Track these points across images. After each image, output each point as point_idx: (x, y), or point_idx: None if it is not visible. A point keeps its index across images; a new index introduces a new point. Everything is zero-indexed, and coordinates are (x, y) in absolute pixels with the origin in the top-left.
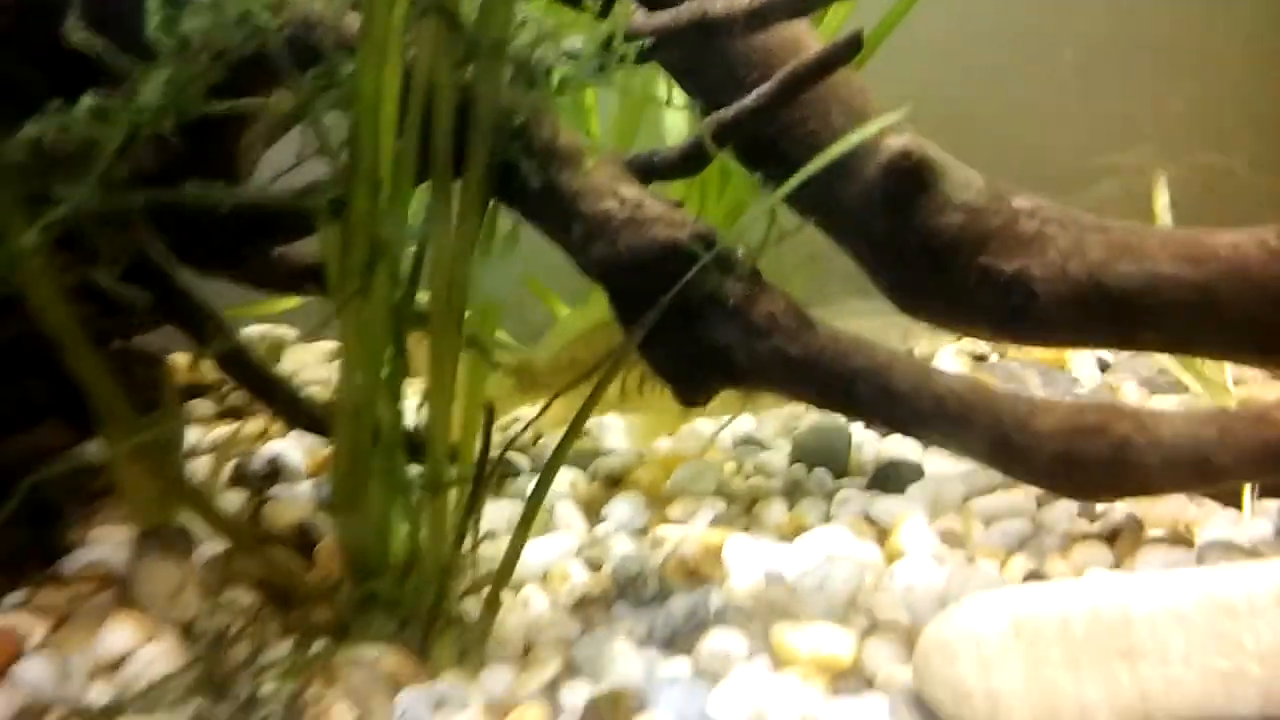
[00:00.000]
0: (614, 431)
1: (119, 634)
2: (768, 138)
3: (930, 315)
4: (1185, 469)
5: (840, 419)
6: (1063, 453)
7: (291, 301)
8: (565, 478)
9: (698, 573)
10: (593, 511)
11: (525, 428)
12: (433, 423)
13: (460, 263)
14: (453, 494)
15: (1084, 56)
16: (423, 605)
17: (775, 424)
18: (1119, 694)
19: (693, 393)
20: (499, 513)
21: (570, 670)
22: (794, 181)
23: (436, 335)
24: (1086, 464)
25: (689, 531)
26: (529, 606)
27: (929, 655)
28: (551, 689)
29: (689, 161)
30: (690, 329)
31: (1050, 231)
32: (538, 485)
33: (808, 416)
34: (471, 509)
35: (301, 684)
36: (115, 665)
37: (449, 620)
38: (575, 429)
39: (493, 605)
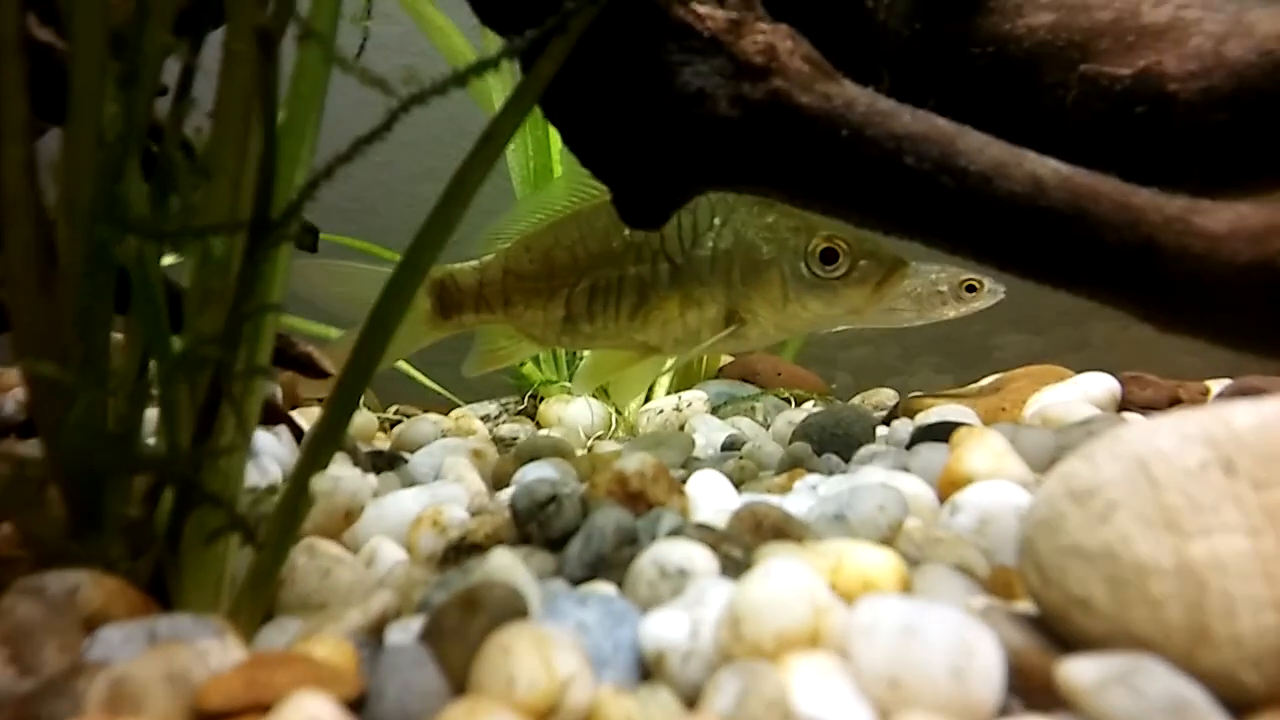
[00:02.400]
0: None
1: None
2: None
3: None
4: None
5: (857, 405)
6: (1262, 264)
7: None
8: (464, 445)
9: (644, 497)
10: (499, 483)
11: None
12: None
13: None
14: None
15: None
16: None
17: (767, 434)
18: None
19: (645, 196)
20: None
21: (413, 612)
22: None
23: None
24: None
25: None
26: (374, 562)
27: (1059, 518)
28: (375, 631)
29: None
30: (642, 71)
31: (1191, 16)
32: (331, 399)
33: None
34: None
35: None
36: None
37: (211, 558)
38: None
39: (280, 545)
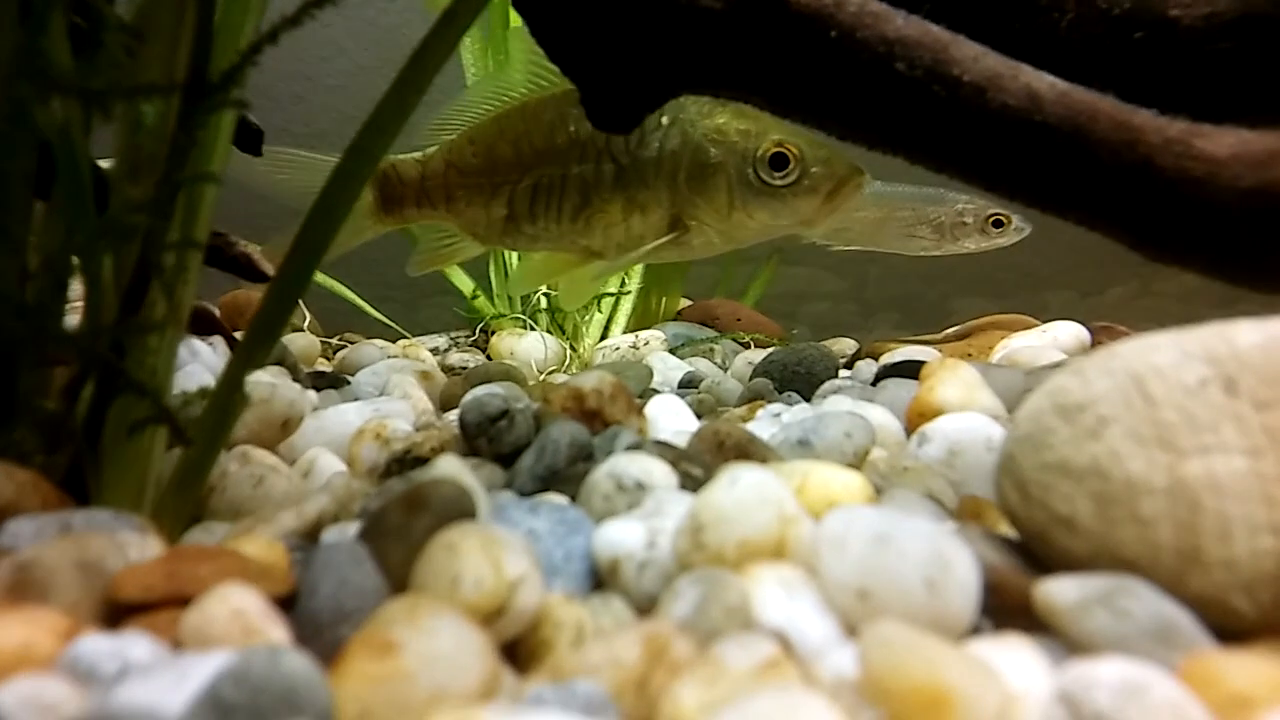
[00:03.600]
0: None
1: None
2: None
3: None
4: None
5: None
6: (1264, 190)
7: None
8: (411, 365)
9: (601, 415)
10: (447, 405)
11: None
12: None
13: None
14: None
15: None
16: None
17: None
18: None
19: (617, 96)
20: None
21: (352, 519)
22: None
23: None
24: None
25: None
26: (311, 474)
27: (1045, 434)
28: (310, 535)
29: None
30: None
31: None
32: (271, 290)
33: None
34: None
35: None
36: None
37: (134, 455)
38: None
39: (211, 443)
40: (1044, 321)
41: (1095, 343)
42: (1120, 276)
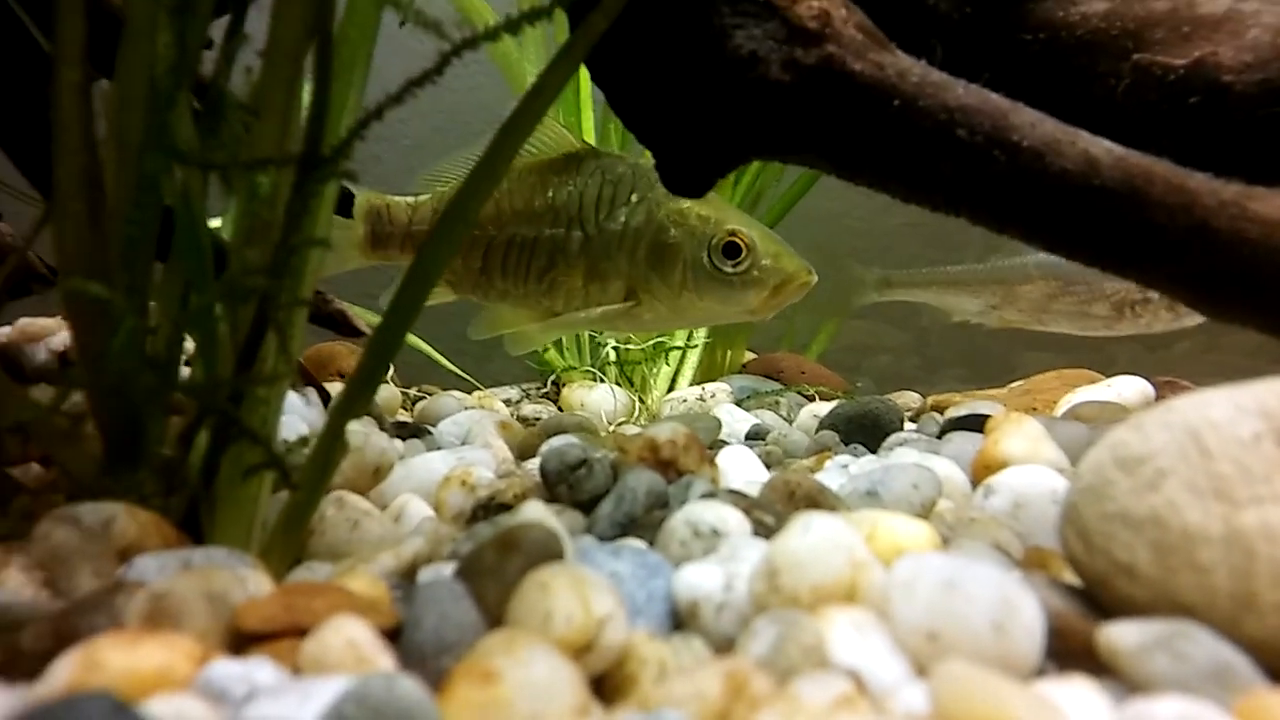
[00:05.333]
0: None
1: None
2: None
3: None
4: None
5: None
6: None
7: None
8: (490, 416)
9: (675, 465)
10: (525, 454)
11: None
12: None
13: None
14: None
15: None
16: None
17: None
18: None
19: (690, 163)
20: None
21: (443, 560)
22: None
23: None
24: None
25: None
26: (402, 518)
27: (1107, 485)
28: (407, 575)
29: None
30: (694, 33)
31: (1248, 8)
32: (370, 344)
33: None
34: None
35: None
36: None
37: (245, 498)
38: None
39: (315, 488)
40: (1110, 376)
41: (1159, 397)
42: (1187, 331)
